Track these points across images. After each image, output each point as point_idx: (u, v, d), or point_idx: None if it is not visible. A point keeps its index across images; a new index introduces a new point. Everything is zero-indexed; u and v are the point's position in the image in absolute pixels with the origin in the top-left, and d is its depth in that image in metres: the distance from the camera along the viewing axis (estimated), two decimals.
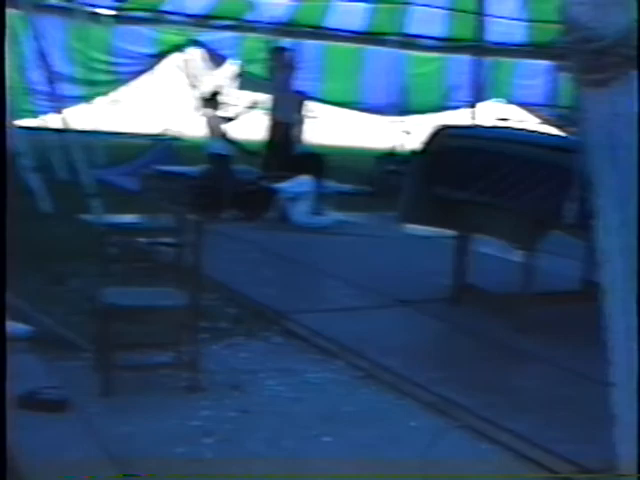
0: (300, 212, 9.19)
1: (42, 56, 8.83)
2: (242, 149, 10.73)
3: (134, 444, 3.49)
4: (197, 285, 4.23)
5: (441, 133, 5.98)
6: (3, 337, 2.35)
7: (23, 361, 4.02)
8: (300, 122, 11.39)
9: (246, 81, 21.56)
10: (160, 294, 4.34)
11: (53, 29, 21.60)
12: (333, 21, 22.36)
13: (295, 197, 9.24)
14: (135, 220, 8.07)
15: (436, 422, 3.94)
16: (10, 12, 9.93)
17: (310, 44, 23.86)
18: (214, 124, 10.39)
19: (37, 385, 3.75)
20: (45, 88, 9.32)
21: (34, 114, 12.60)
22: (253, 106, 11.91)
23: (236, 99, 21.96)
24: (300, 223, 9.06)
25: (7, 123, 8.74)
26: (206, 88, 19.31)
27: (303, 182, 9.38)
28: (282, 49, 12.87)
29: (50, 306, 5.17)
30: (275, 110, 11.45)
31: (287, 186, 9.35)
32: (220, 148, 10.05)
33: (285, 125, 11.08)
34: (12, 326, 4.08)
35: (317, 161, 10.13)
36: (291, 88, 11.76)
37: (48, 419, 3.58)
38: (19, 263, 6.10)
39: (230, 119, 10.83)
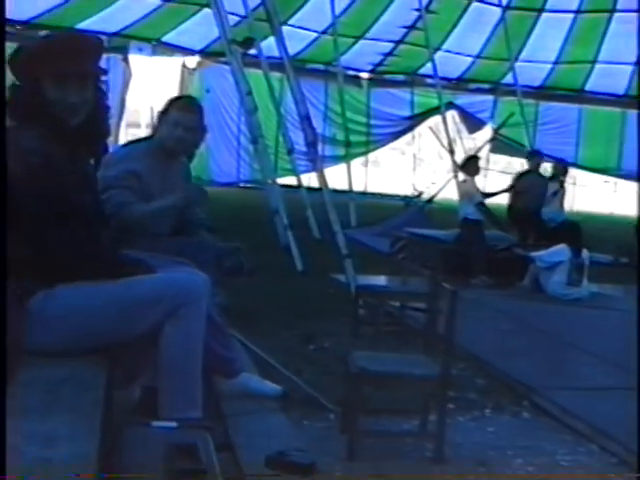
0: (555, 282, 8.92)
1: (303, 118, 9.20)
2: (494, 215, 10.62)
3: None
4: (447, 354, 4.17)
5: None
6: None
7: (272, 420, 4.11)
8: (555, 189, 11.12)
9: (502, 145, 21.49)
10: (410, 361, 4.32)
11: (313, 92, 22.62)
12: (594, 84, 21.86)
13: (550, 266, 8.98)
14: (386, 283, 8.15)
15: None
16: (273, 75, 10.47)
17: (569, 107, 23.44)
18: (468, 188, 10.35)
19: (285, 446, 3.81)
20: (304, 148, 9.69)
21: (293, 173, 13.12)
22: (508, 170, 11.79)
23: (492, 163, 21.88)
24: (555, 294, 8.80)
25: (269, 181, 9.10)
26: (461, 151, 19.41)
27: (559, 251, 9.10)
28: None
29: (300, 365, 5.28)
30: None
31: (542, 254, 9.11)
32: (472, 213, 9.98)
33: (538, 192, 10.87)
34: (263, 384, 4.18)
35: (574, 230, 9.84)
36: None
37: None
38: (271, 320, 6.35)
39: (487, 184, 10.79)
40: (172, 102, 4.44)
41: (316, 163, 9.07)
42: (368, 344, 4.76)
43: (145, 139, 4.47)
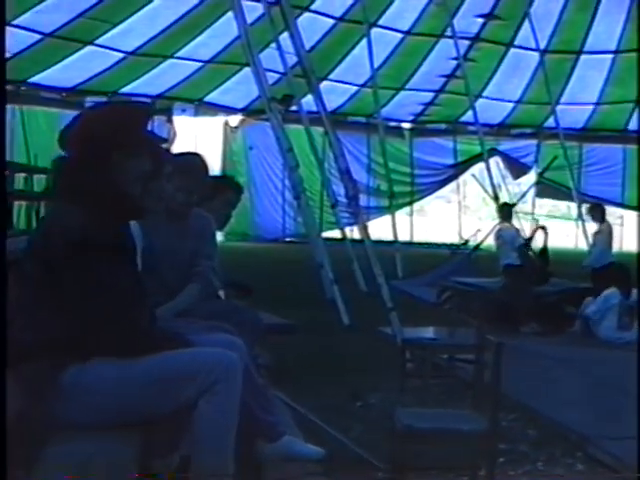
0: (606, 326, 8.74)
1: (343, 172, 9.21)
2: (534, 258, 10.47)
3: None
4: (494, 406, 4.08)
5: None
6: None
7: None
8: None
9: (546, 189, 21.36)
10: (457, 416, 4.23)
11: (356, 144, 22.74)
12: (637, 123, 21.67)
13: (600, 310, 8.82)
14: (434, 334, 8.05)
15: None
16: (316, 130, 10.53)
17: (613, 148, 23.29)
18: (505, 234, 10.26)
19: None
20: (347, 201, 9.69)
21: (337, 226, 13.11)
22: (554, 214, 11.68)
23: (536, 208, 21.72)
24: (606, 338, 8.62)
25: (313, 235, 9.06)
26: (507, 197, 19.30)
27: (609, 295, 8.94)
28: None
29: (347, 423, 5.21)
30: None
31: (592, 299, 8.95)
32: (513, 259, 9.87)
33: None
34: (306, 447, 4.10)
35: (623, 271, 9.65)
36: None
37: None
38: (317, 377, 6.28)
39: (534, 229, 10.68)
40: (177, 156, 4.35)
41: (358, 216, 9.06)
42: (416, 399, 4.67)
43: None
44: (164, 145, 3.12)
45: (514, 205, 11.03)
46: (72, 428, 2.63)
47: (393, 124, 23.00)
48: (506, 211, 10.51)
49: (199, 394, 2.80)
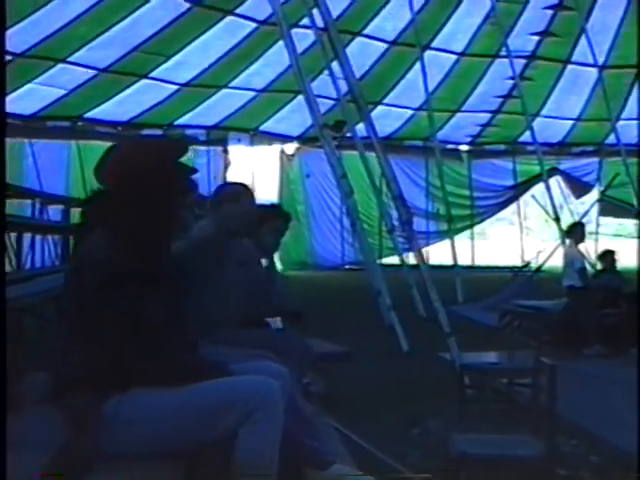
0: None
1: (396, 197, 9.22)
2: (613, 282, 10.30)
3: None
4: (553, 431, 4.04)
5: None
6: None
7: None
8: None
9: (610, 207, 21.04)
10: (514, 441, 4.19)
11: (413, 168, 22.72)
12: None
13: None
14: (493, 359, 7.97)
15: None
16: (371, 155, 10.55)
17: None
18: (571, 255, 10.13)
19: None
20: (404, 226, 9.69)
21: (395, 252, 13.11)
22: (620, 233, 11.51)
23: (601, 227, 21.37)
24: None
25: (370, 263, 9.03)
26: (569, 217, 19.07)
27: None
28: None
29: (404, 450, 5.19)
30: None
31: None
32: (577, 280, 9.74)
33: None
34: (357, 476, 4.08)
35: None
36: None
37: None
38: (374, 404, 6.27)
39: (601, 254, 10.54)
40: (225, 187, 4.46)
41: (412, 241, 9.06)
42: (475, 424, 4.64)
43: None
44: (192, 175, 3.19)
45: (584, 225, 10.86)
46: (113, 459, 2.67)
47: (450, 147, 22.96)
48: (578, 231, 10.34)
49: (238, 423, 2.80)
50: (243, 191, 4.40)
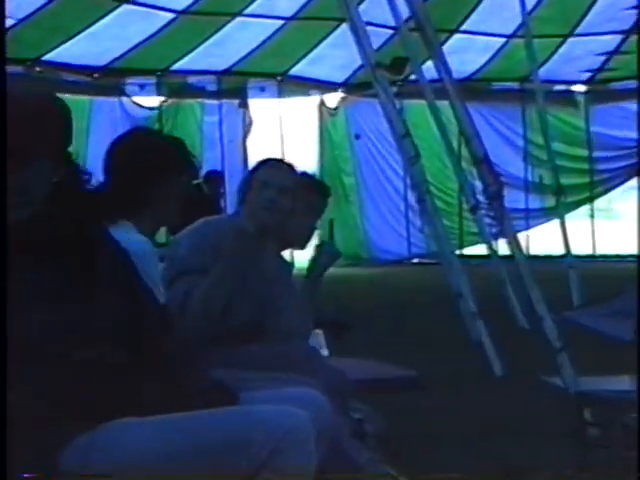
0: None
1: (478, 161, 9.19)
2: None
3: None
4: None
5: None
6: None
7: None
8: None
9: None
10: None
11: (506, 120, 22.59)
12: None
13: None
14: (625, 385, 7.97)
15: None
16: (443, 105, 10.56)
17: None
18: None
19: None
20: (487, 201, 9.67)
21: (481, 238, 13.08)
22: None
23: None
24: None
25: (447, 254, 9.06)
26: None
27: None
28: None
29: None
30: None
31: None
32: None
33: None
34: None
35: None
36: None
37: None
38: (455, 446, 6.34)
39: None
40: (259, 165, 4.67)
41: (503, 222, 9.03)
42: (599, 477, 4.71)
43: (227, 216, 4.69)
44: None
45: None
46: None
47: (559, 88, 22.82)
48: None
49: (253, 468, 2.85)
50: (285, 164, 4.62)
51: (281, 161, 4.81)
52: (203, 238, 4.44)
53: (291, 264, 4.99)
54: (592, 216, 24.59)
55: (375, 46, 10.46)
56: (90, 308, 2.91)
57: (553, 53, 21.31)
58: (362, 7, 10.15)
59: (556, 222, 17.10)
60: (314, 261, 4.95)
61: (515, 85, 22.19)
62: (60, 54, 19.14)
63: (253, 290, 4.48)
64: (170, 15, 18.98)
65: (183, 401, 2.96)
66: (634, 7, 19.60)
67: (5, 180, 2.72)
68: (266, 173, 4.60)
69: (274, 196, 4.50)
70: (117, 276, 3.04)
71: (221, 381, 3.13)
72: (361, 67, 15.84)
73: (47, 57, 19.17)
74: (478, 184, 10.44)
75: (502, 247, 11.48)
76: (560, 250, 15.60)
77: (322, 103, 23.16)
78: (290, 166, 4.74)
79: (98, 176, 3.88)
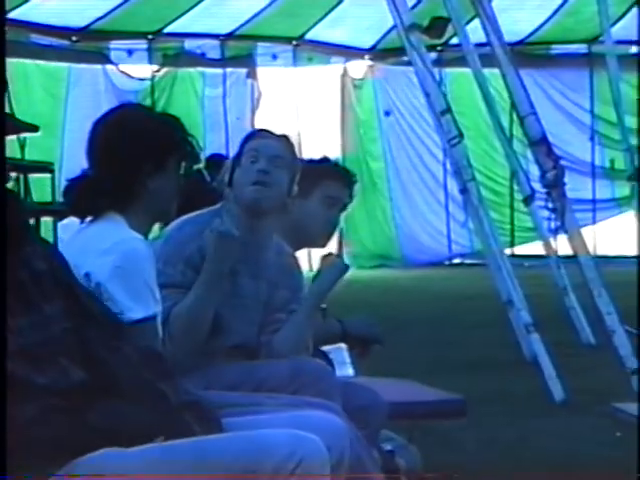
0: None
1: (534, 142, 9.17)
2: None
3: None
4: None
5: None
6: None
7: None
8: None
9: None
10: None
11: (568, 90, 22.52)
12: None
13: None
14: None
15: None
16: (492, 74, 10.54)
17: None
18: None
19: None
20: (545, 190, 9.63)
21: (535, 234, 13.07)
22: None
23: None
24: None
25: (495, 254, 9.07)
26: None
27: None
28: None
29: None
30: None
31: None
32: None
33: None
34: None
35: None
36: None
37: None
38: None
39: None
40: (247, 137, 4.64)
41: (564, 216, 9.00)
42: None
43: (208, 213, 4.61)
44: None
45: None
46: None
47: (636, 50, 22.69)
48: None
49: None
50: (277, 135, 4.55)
51: (274, 132, 4.67)
52: (179, 245, 4.37)
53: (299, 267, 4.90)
54: None
55: (409, 3, 10.42)
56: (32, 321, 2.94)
57: (630, 8, 21.06)
58: None
59: (630, 215, 17.08)
60: (318, 275, 4.89)
61: (580, 48, 22.09)
62: (30, 12, 19.19)
63: (247, 305, 4.46)
64: None
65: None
66: None
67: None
68: (255, 143, 4.52)
69: (264, 167, 4.41)
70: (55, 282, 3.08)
71: (197, 398, 3.16)
72: (392, 29, 15.84)
73: (13, 15, 19.16)
74: (534, 170, 10.43)
75: (562, 245, 11.46)
76: (633, 249, 15.56)
77: (345, 73, 23.16)
78: (286, 137, 4.63)
79: (79, 159, 3.91)
